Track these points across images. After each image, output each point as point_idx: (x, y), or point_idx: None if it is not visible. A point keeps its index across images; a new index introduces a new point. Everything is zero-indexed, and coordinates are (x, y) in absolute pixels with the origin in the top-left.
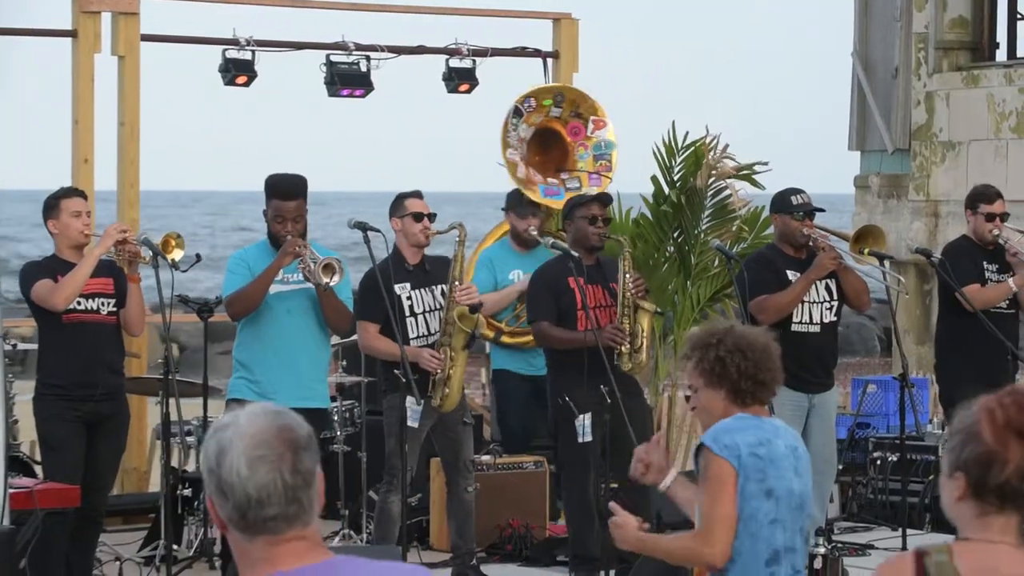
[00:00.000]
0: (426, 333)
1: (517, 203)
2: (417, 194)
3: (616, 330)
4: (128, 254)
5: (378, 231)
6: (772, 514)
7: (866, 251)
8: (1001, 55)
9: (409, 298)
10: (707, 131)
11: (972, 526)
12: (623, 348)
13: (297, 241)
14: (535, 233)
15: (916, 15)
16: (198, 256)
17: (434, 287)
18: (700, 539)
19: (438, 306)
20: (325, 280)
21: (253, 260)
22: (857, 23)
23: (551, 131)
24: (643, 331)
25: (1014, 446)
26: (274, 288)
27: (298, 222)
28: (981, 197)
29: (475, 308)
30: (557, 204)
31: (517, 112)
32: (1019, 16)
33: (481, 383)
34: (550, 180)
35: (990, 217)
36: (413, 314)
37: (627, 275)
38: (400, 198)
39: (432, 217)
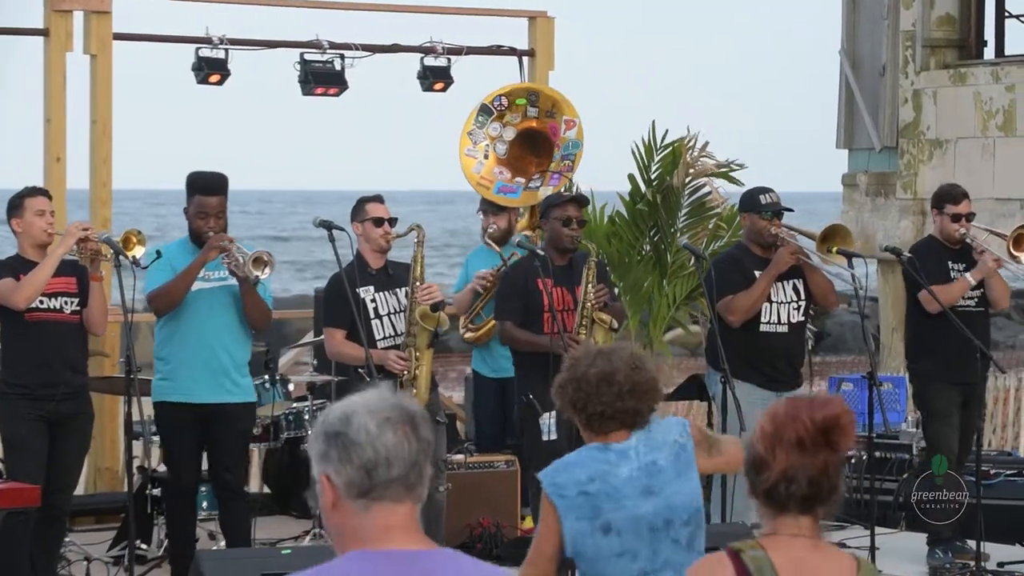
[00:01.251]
0: (392, 334)
1: (483, 202)
2: (378, 198)
3: (572, 341)
4: (90, 252)
5: (343, 230)
6: (617, 548)
7: (834, 249)
8: (989, 53)
9: (373, 300)
10: (688, 130)
11: (768, 523)
12: None
13: (223, 236)
14: (492, 231)
15: (904, 13)
16: (158, 252)
17: (398, 290)
18: (523, 566)
19: (403, 308)
20: (256, 273)
21: (174, 256)
22: (845, 21)
23: (536, 132)
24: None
25: (780, 454)
26: (196, 285)
27: (220, 218)
28: (947, 197)
29: (437, 306)
30: (512, 202)
31: (486, 110)
32: (1007, 14)
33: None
34: (518, 180)
35: (956, 217)
36: (378, 316)
37: (590, 285)
38: (361, 202)
39: (393, 222)
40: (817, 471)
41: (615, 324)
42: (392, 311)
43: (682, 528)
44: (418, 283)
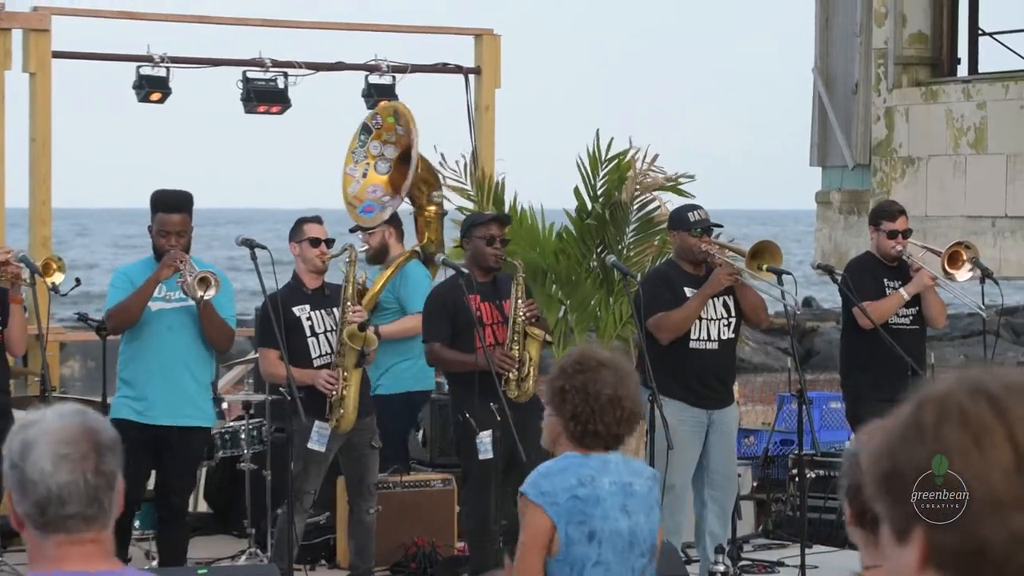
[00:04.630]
0: (328, 352)
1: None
2: (316, 219)
3: (506, 357)
4: (10, 275)
5: (264, 248)
6: (594, 557)
7: (764, 267)
8: (963, 70)
9: (309, 319)
10: (630, 143)
11: (867, 553)
12: (510, 375)
13: (177, 255)
14: (365, 250)
15: (876, 30)
16: (77, 280)
17: (334, 309)
18: None
19: (338, 326)
20: (200, 293)
21: (136, 275)
22: (818, 39)
23: (409, 153)
24: (531, 359)
25: None
26: (156, 305)
27: (182, 237)
28: (883, 214)
29: (363, 326)
30: (367, 221)
31: (365, 128)
32: (980, 31)
33: None
34: (387, 200)
35: (892, 234)
36: (314, 334)
37: (519, 300)
38: (299, 223)
39: (330, 243)
40: None
41: (548, 337)
42: (328, 329)
43: (640, 558)
44: (348, 303)
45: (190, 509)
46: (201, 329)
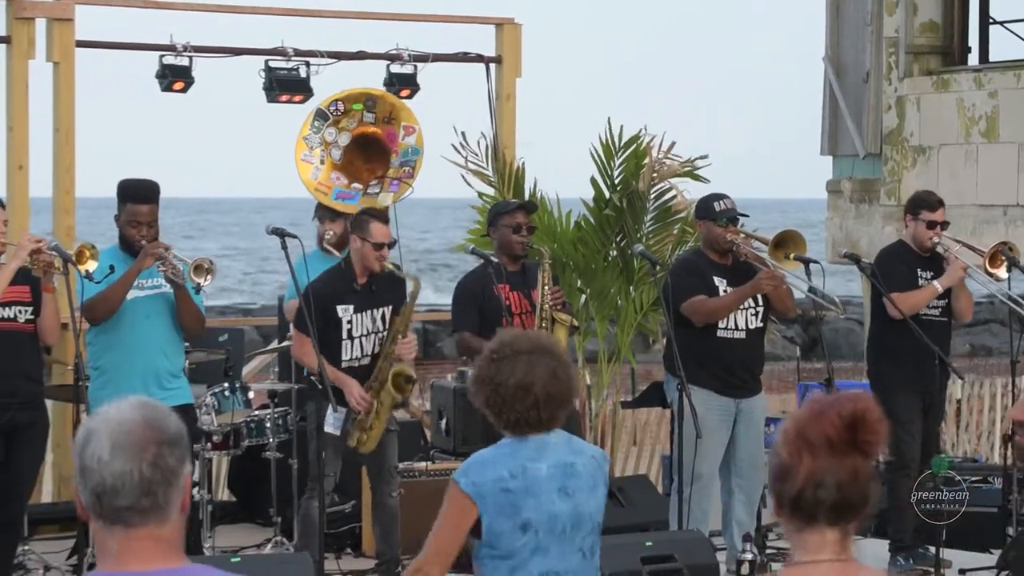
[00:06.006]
0: (358, 356)
1: (319, 208)
2: (384, 219)
3: None
4: (43, 264)
5: (295, 237)
6: (532, 544)
7: (791, 256)
8: (973, 59)
9: (350, 322)
10: (644, 129)
11: (795, 547)
12: None
13: (159, 243)
14: (329, 237)
15: (887, 19)
16: (112, 267)
17: (375, 310)
18: (415, 565)
19: (376, 329)
20: (198, 280)
21: (103, 264)
22: (828, 28)
23: (370, 137)
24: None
25: (806, 456)
26: (130, 294)
27: (152, 226)
28: (923, 204)
29: (411, 379)
30: (352, 208)
31: (321, 115)
32: (991, 20)
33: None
34: (355, 185)
35: (931, 224)
36: (351, 337)
37: (546, 287)
38: (366, 219)
39: (391, 246)
40: (847, 476)
41: (575, 322)
42: (365, 333)
43: (587, 537)
44: (400, 336)
45: (215, 498)
46: (176, 314)
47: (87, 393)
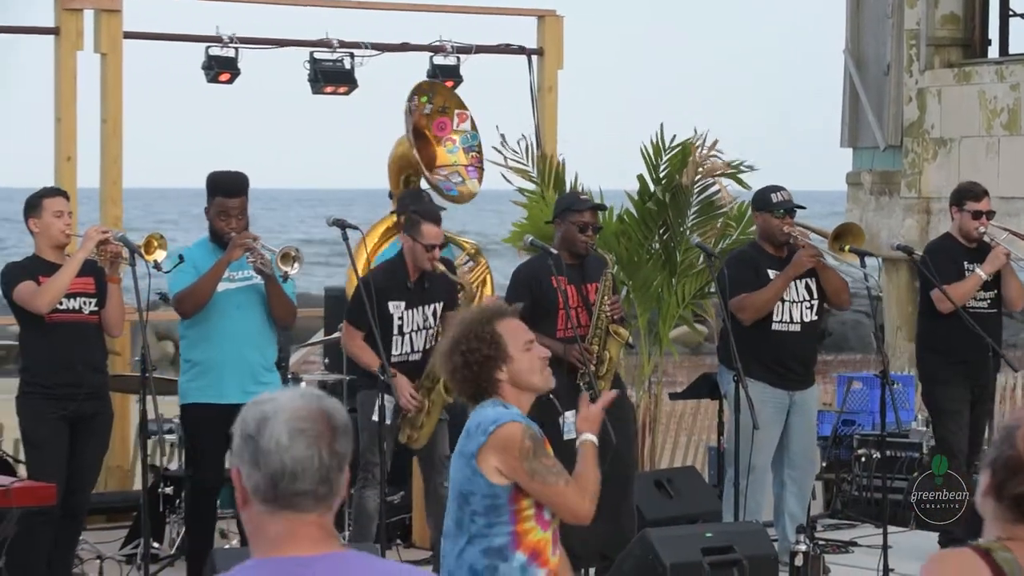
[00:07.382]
0: (408, 351)
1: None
2: (436, 219)
3: (586, 352)
4: (109, 255)
5: (356, 228)
6: None
7: (847, 248)
8: (993, 52)
9: (401, 318)
10: (695, 132)
11: (996, 525)
12: (586, 370)
13: (247, 234)
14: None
15: (908, 12)
16: (181, 257)
17: (427, 306)
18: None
19: (427, 325)
20: (285, 269)
21: (197, 258)
22: (849, 20)
23: (419, 130)
24: (610, 358)
25: None
26: (221, 286)
27: (241, 219)
28: (968, 194)
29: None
30: (454, 199)
31: (409, 111)
32: (1011, 13)
33: None
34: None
35: (977, 215)
36: (401, 333)
37: (605, 297)
38: (418, 221)
39: (443, 247)
40: None
41: (632, 341)
42: (416, 328)
43: (454, 500)
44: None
45: None
46: (268, 306)
47: (150, 386)
